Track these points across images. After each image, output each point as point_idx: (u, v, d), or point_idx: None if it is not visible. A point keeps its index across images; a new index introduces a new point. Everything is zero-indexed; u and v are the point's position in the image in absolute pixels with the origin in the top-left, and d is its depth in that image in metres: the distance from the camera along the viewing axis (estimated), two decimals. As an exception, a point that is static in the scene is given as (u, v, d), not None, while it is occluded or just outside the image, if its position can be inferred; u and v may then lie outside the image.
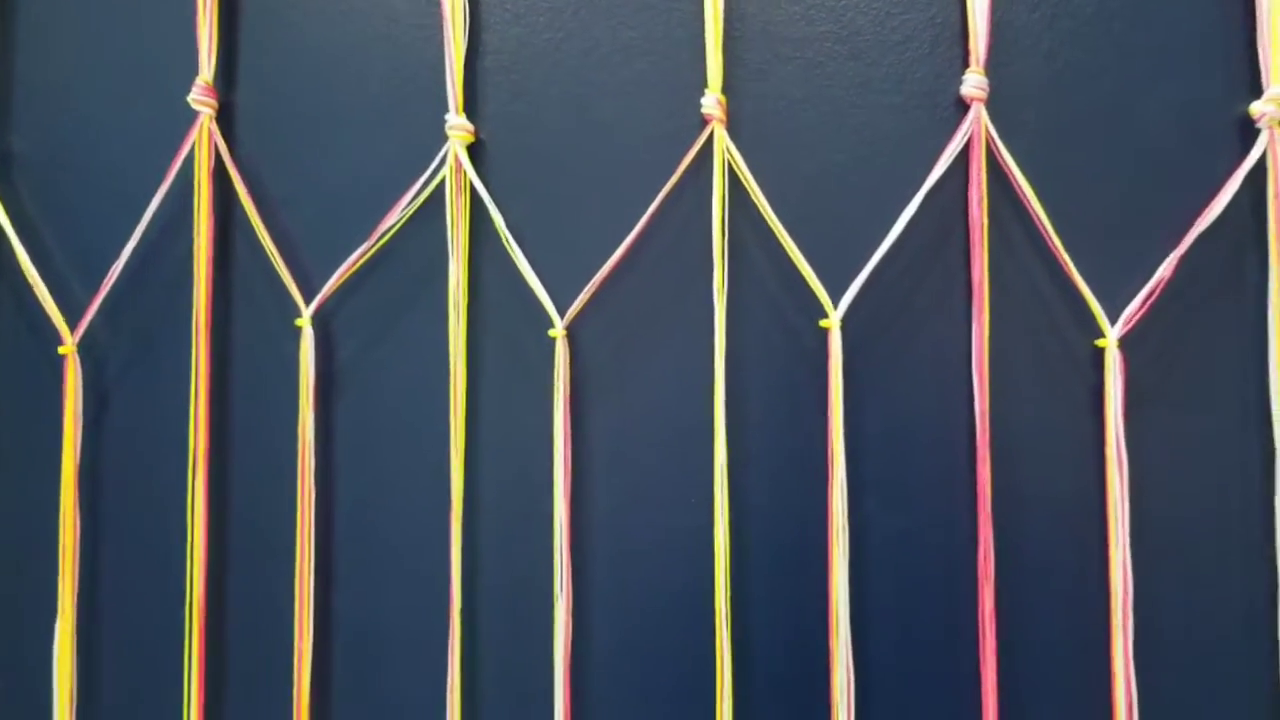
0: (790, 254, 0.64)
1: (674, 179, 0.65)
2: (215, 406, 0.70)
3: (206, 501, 0.68)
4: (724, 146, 0.65)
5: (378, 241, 0.68)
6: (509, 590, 0.66)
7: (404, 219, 0.68)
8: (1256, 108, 0.61)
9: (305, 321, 0.68)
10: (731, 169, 0.65)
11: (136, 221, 0.69)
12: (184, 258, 0.70)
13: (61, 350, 0.70)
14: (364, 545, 0.68)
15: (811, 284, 0.63)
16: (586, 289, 0.65)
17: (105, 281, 0.69)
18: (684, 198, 0.66)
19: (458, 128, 0.68)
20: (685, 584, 0.64)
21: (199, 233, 0.70)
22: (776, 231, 0.64)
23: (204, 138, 0.70)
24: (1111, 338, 0.61)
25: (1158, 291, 0.61)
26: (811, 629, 0.62)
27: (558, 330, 0.65)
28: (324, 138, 0.70)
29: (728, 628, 0.62)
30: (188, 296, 0.70)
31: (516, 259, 0.66)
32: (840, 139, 0.65)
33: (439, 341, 0.68)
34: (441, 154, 0.68)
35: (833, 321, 0.63)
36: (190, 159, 0.70)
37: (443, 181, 0.68)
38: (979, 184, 0.63)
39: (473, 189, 0.68)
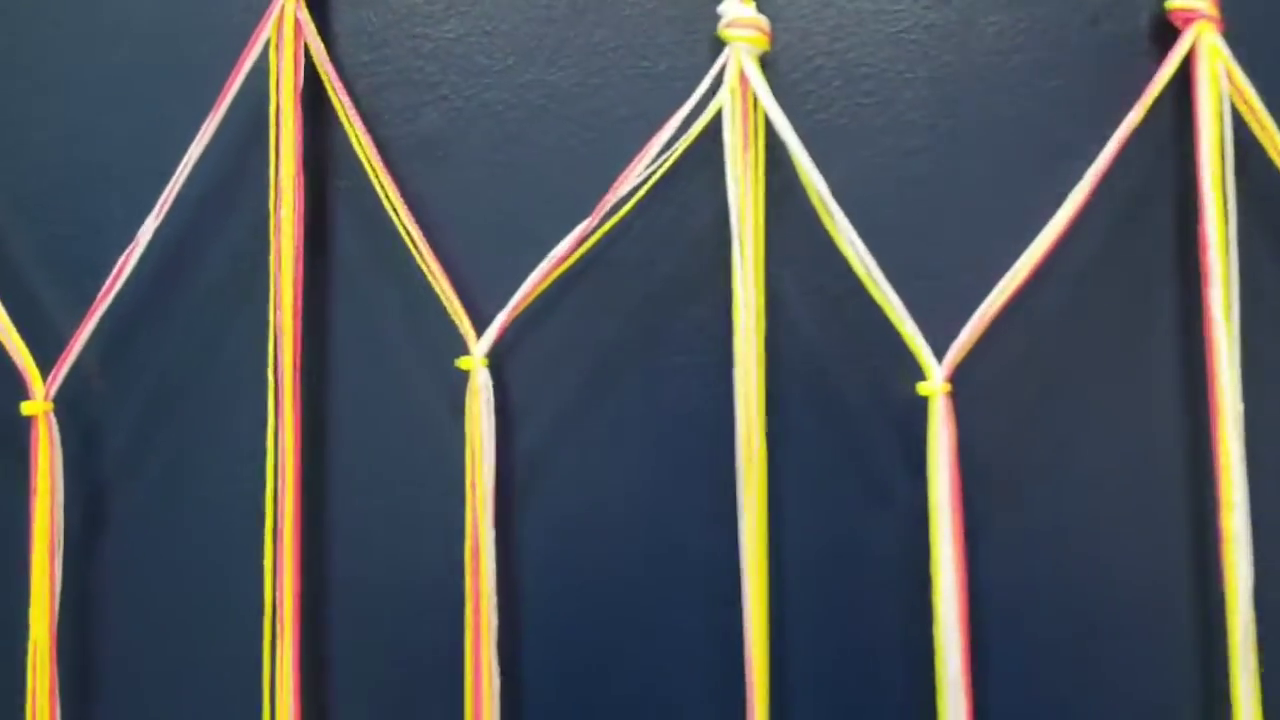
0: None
1: (1133, 119, 0.37)
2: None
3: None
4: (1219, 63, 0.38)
5: (604, 222, 0.39)
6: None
7: (645, 186, 0.39)
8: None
9: (474, 362, 0.39)
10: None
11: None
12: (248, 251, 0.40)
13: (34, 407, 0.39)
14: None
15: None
16: (976, 321, 0.37)
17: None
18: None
19: (745, 24, 0.38)
20: None
21: (279, 201, 0.39)
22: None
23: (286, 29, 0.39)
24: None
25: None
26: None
27: (933, 385, 0.38)
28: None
29: None
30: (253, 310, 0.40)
31: (854, 257, 0.38)
32: None
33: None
34: (717, 68, 0.39)
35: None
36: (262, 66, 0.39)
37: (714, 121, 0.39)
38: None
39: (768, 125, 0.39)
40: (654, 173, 0.38)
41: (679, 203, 0.40)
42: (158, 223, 0.39)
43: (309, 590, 0.40)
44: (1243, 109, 0.38)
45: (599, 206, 0.38)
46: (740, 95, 0.38)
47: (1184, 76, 0.38)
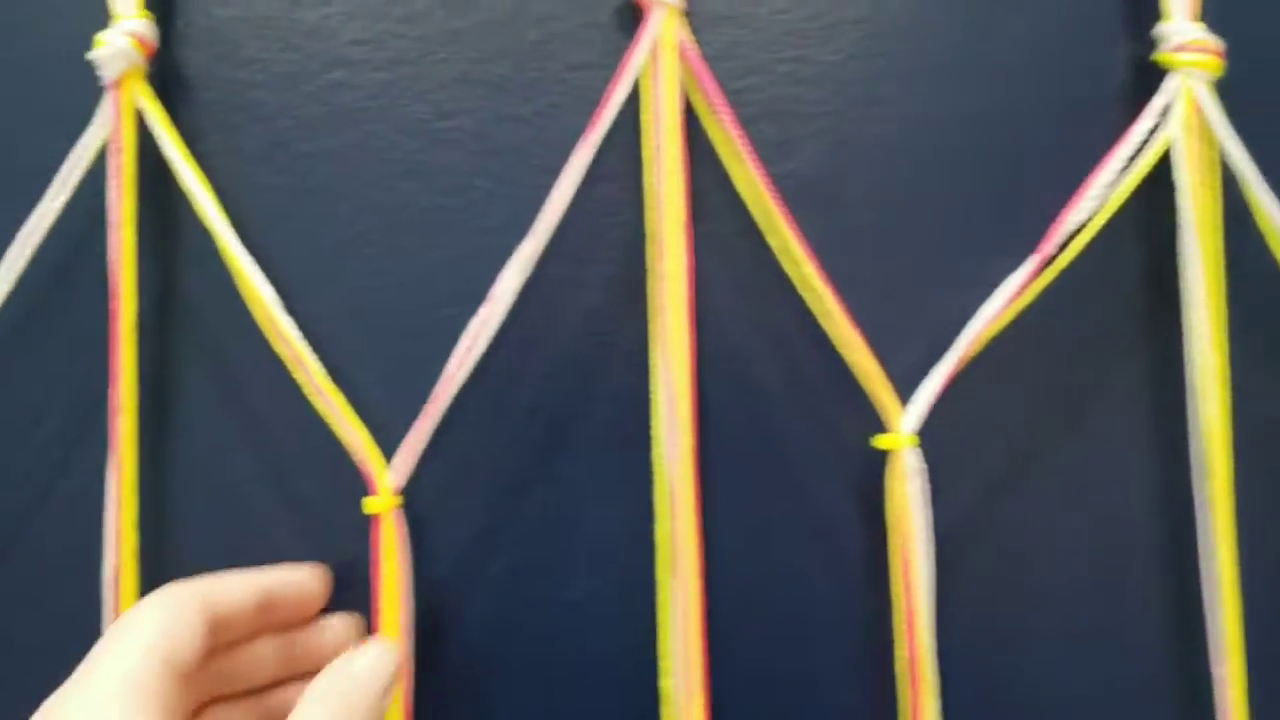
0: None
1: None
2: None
3: None
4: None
5: (1044, 270, 0.33)
6: None
7: (1094, 221, 0.33)
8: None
9: (900, 441, 0.32)
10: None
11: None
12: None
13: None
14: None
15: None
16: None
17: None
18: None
19: (1198, 47, 0.34)
20: None
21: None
22: None
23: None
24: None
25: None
26: None
27: None
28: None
29: None
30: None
31: None
32: None
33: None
34: (1166, 98, 0.34)
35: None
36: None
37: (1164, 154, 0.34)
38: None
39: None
40: (1096, 215, 0.33)
41: (1105, 248, 0.35)
42: (519, 279, 0.32)
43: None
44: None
45: (1042, 252, 0.33)
46: (1195, 129, 0.34)
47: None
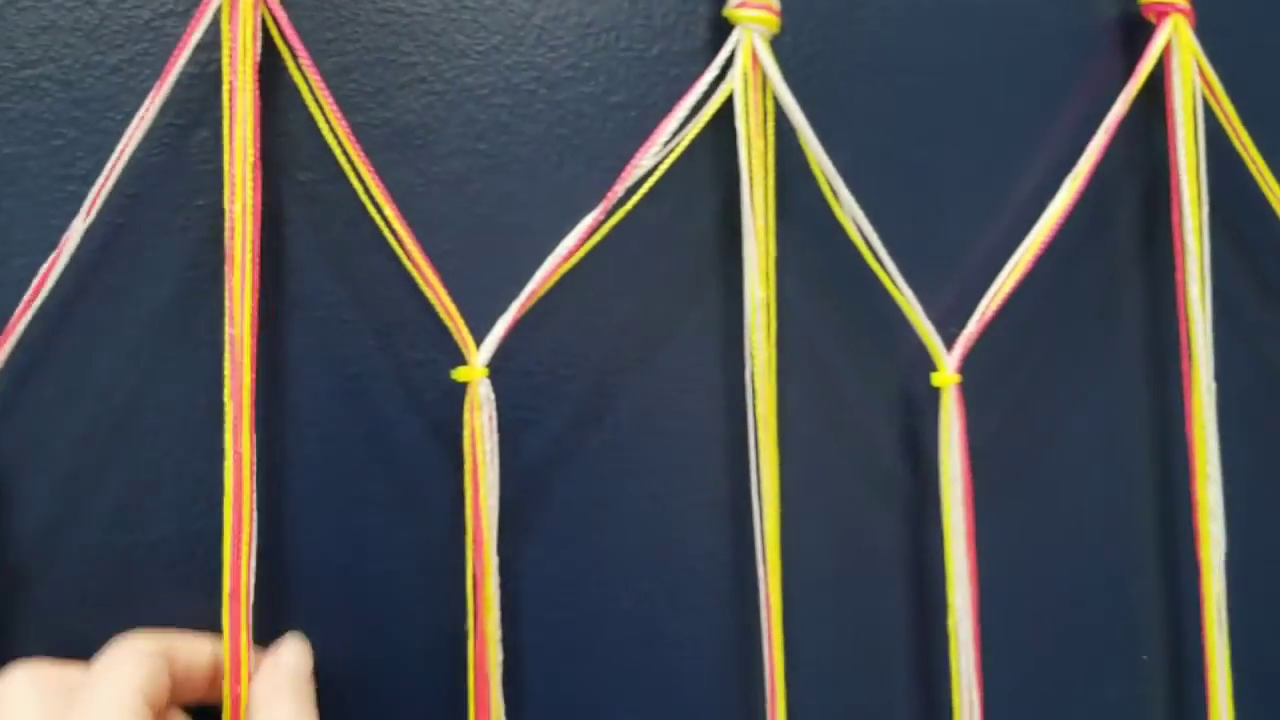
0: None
1: (1118, 112, 0.39)
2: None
3: None
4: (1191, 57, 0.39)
5: (610, 216, 0.36)
6: None
7: (653, 177, 0.36)
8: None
9: (475, 373, 0.35)
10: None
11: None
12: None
13: None
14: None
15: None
16: (981, 312, 0.38)
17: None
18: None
19: (757, 4, 0.37)
20: None
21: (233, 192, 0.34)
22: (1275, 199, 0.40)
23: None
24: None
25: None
26: None
27: (946, 375, 0.37)
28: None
29: None
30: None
31: (859, 239, 0.37)
32: None
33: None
34: (727, 51, 0.37)
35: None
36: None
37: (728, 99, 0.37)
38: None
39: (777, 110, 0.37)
40: (663, 162, 0.36)
41: (679, 197, 0.38)
42: (87, 224, 0.33)
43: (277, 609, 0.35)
44: (1212, 102, 0.40)
45: (608, 198, 0.35)
46: (752, 80, 0.37)
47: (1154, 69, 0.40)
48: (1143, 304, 0.41)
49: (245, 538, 0.33)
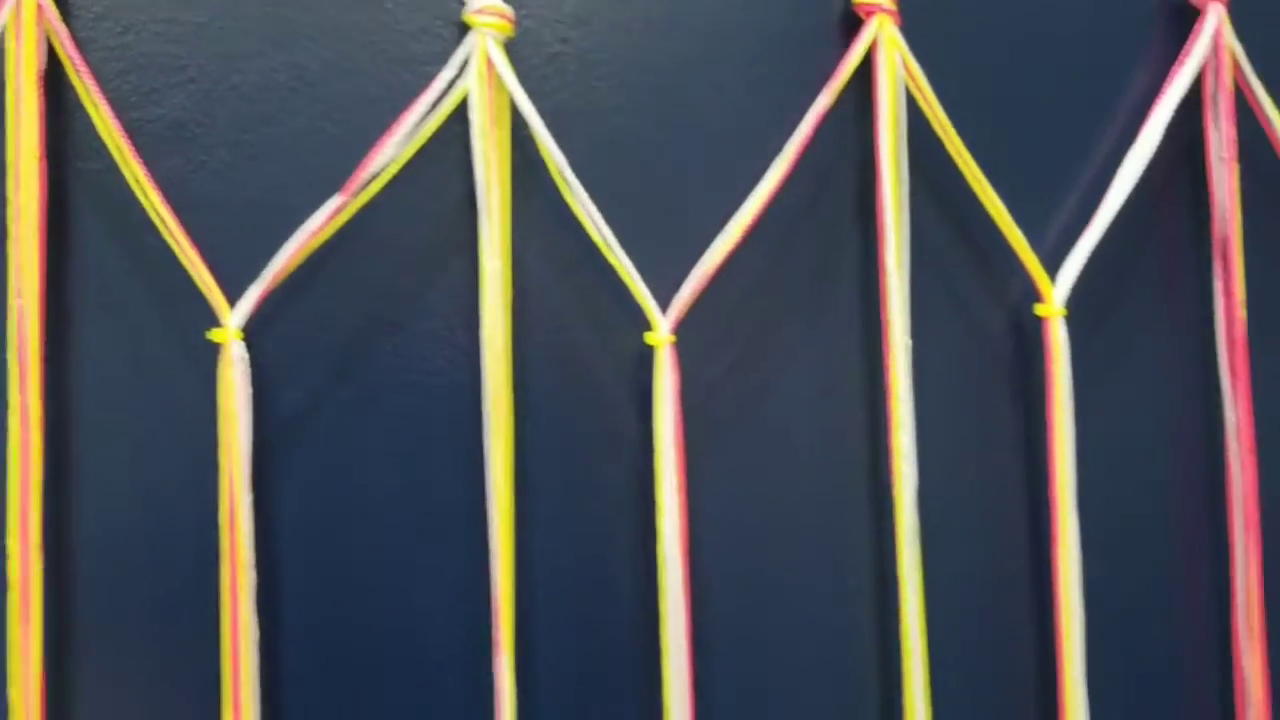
0: (998, 219, 0.44)
1: (820, 107, 0.43)
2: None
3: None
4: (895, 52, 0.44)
5: (355, 198, 0.41)
6: None
7: (396, 163, 0.41)
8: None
9: (228, 334, 0.40)
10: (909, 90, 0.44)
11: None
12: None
13: None
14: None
15: (1026, 260, 0.44)
16: (696, 276, 0.42)
17: None
18: (822, 135, 0.44)
19: (491, 10, 0.41)
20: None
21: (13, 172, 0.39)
22: (972, 177, 0.44)
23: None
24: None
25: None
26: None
27: (660, 335, 0.42)
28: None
29: None
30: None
31: (591, 225, 0.42)
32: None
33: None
34: (463, 53, 0.41)
35: (1053, 307, 0.44)
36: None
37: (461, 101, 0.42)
38: (1226, 119, 0.46)
39: (513, 110, 0.42)
40: (404, 151, 0.41)
41: (430, 180, 0.43)
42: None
43: (57, 562, 0.40)
44: (914, 91, 0.45)
45: (349, 183, 0.40)
46: (486, 78, 0.41)
47: (866, 62, 0.44)
48: (858, 269, 0.46)
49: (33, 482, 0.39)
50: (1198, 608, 0.47)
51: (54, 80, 0.40)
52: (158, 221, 0.40)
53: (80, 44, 0.40)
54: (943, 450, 0.45)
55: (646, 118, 0.45)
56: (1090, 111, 0.48)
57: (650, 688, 0.42)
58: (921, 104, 0.45)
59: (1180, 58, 0.45)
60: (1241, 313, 0.46)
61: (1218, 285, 0.47)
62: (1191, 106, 0.47)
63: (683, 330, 0.42)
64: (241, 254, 0.41)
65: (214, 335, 0.40)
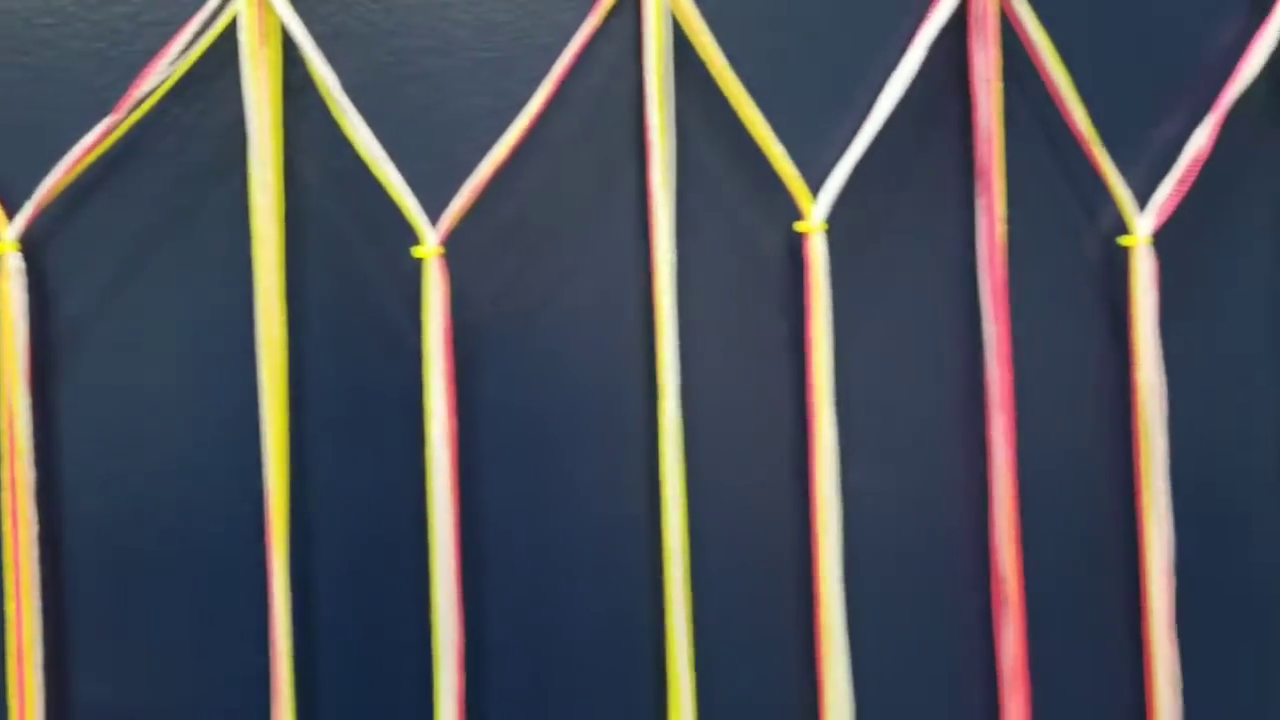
0: (759, 138, 0.46)
1: (588, 28, 0.45)
2: None
3: None
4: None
5: (127, 117, 0.43)
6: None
7: (166, 83, 0.43)
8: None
9: (3, 246, 0.42)
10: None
11: None
12: None
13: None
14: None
15: (786, 177, 0.46)
16: (465, 191, 0.44)
17: None
18: (598, 58, 0.46)
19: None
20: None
21: None
22: (740, 105, 0.46)
23: None
24: (1141, 232, 0.48)
25: (1191, 175, 0.49)
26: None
27: (427, 248, 0.44)
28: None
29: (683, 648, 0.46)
30: None
31: (359, 142, 0.44)
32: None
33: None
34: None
35: (812, 224, 0.47)
36: None
37: (231, 23, 0.43)
38: (991, 42, 0.48)
39: (285, 35, 0.44)
40: (174, 71, 0.43)
41: (206, 98, 0.45)
42: None
43: None
44: (679, 16, 0.46)
45: (122, 102, 0.42)
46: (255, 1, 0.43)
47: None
48: (635, 190, 0.48)
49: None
50: (961, 510, 0.50)
51: None
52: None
53: None
54: (712, 361, 0.47)
55: (425, 39, 0.46)
56: (866, 35, 0.49)
57: (421, 584, 0.45)
58: (685, 27, 0.46)
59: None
60: (1001, 230, 0.48)
61: (980, 204, 0.49)
62: (960, 28, 0.49)
63: (458, 247, 0.45)
64: (22, 172, 0.43)
65: (-4, 247, 0.42)
